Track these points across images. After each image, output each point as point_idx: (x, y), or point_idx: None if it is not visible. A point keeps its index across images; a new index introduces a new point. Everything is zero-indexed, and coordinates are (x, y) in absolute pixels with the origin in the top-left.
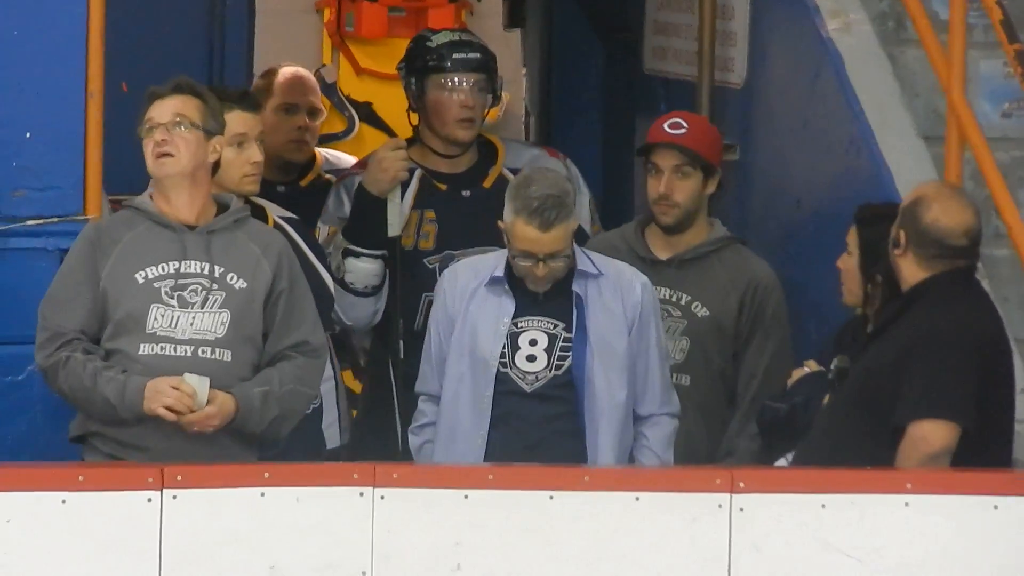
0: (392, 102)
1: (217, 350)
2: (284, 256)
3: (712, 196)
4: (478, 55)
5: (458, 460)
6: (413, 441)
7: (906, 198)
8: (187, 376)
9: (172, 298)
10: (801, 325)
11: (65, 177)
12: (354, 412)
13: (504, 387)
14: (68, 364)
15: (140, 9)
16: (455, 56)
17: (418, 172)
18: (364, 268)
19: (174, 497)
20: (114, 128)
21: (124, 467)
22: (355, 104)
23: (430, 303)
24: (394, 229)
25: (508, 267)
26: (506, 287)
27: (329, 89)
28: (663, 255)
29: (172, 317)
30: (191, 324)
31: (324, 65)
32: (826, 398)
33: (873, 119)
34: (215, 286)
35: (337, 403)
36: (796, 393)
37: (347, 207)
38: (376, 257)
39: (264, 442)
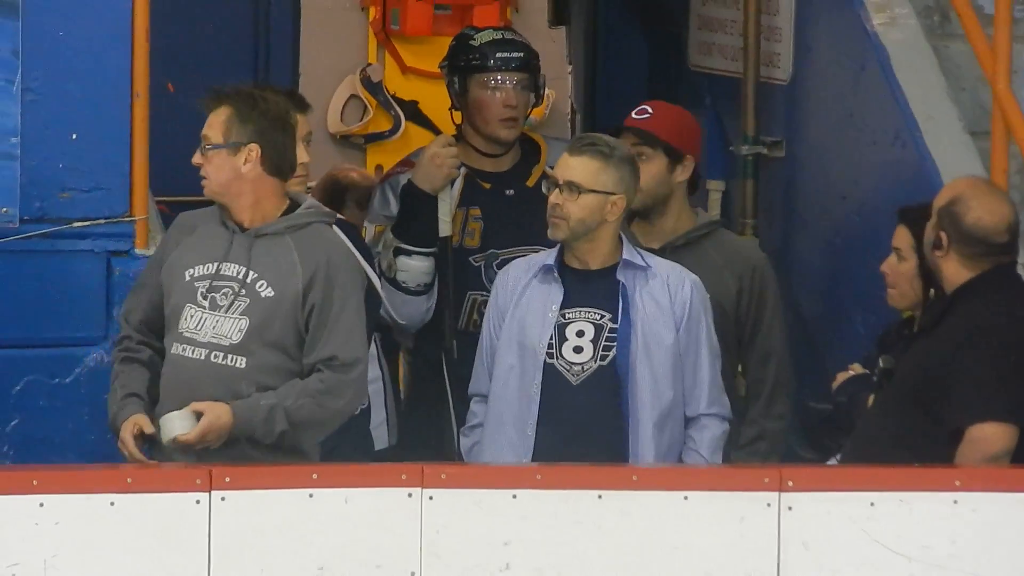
0: (438, 100)
1: (231, 356)
2: (324, 268)
3: (760, 194)
4: (521, 54)
5: (506, 451)
6: (464, 443)
7: (939, 197)
8: (166, 419)
9: (206, 299)
10: (848, 319)
11: (111, 178)
12: None
13: (551, 378)
14: (112, 368)
15: (185, 8)
16: (498, 55)
17: (463, 170)
18: (416, 266)
19: (222, 499)
20: (160, 129)
21: (172, 468)
22: (401, 103)
23: (475, 302)
24: (446, 227)
25: (560, 255)
26: (555, 275)
27: (375, 88)
28: (654, 244)
29: (200, 318)
30: (213, 327)
31: (370, 64)
32: (871, 398)
33: (918, 113)
34: (243, 291)
35: (385, 404)
36: (840, 394)
37: (393, 206)
38: (428, 255)
39: (287, 450)
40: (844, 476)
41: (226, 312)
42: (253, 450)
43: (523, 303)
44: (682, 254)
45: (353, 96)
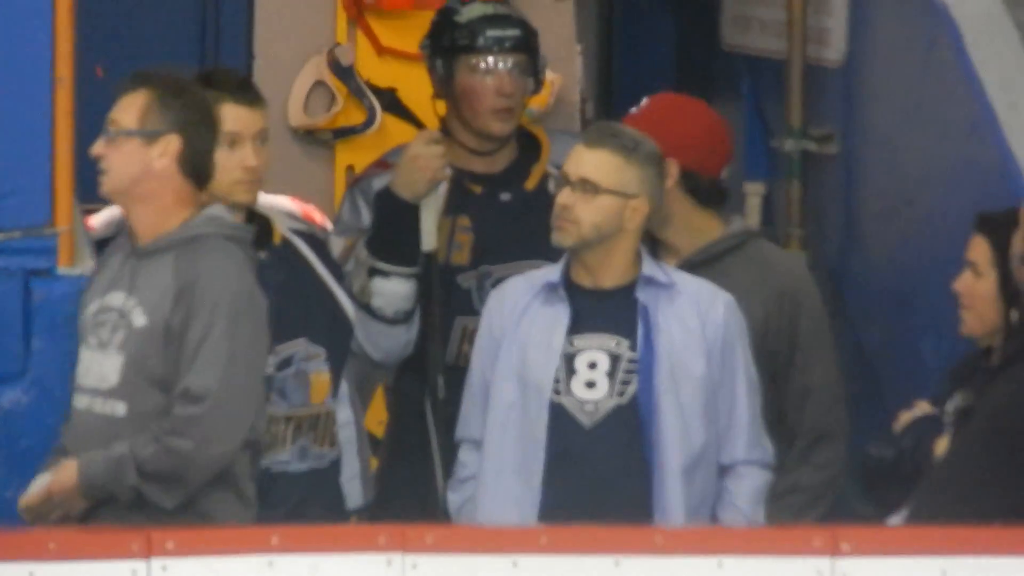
0: (420, 88)
1: (109, 401)
2: (190, 287)
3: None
4: (516, 31)
5: (508, 507)
6: (453, 500)
7: None
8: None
9: (94, 337)
10: (914, 349)
11: (29, 181)
12: (373, 461)
13: (559, 420)
14: None
15: None
16: (489, 33)
17: (449, 172)
18: (395, 290)
19: (163, 568)
20: (89, 122)
21: (102, 532)
22: (376, 91)
23: (464, 329)
24: (429, 241)
25: (566, 270)
26: (561, 292)
27: (345, 73)
28: (670, 260)
29: (89, 361)
30: (94, 370)
31: (338, 44)
32: (941, 443)
33: (998, 100)
34: (122, 322)
35: (359, 453)
36: (905, 438)
37: (364, 215)
38: (409, 276)
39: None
40: (910, 537)
41: (105, 349)
42: (134, 514)
43: (523, 329)
44: (701, 270)
45: (319, 83)
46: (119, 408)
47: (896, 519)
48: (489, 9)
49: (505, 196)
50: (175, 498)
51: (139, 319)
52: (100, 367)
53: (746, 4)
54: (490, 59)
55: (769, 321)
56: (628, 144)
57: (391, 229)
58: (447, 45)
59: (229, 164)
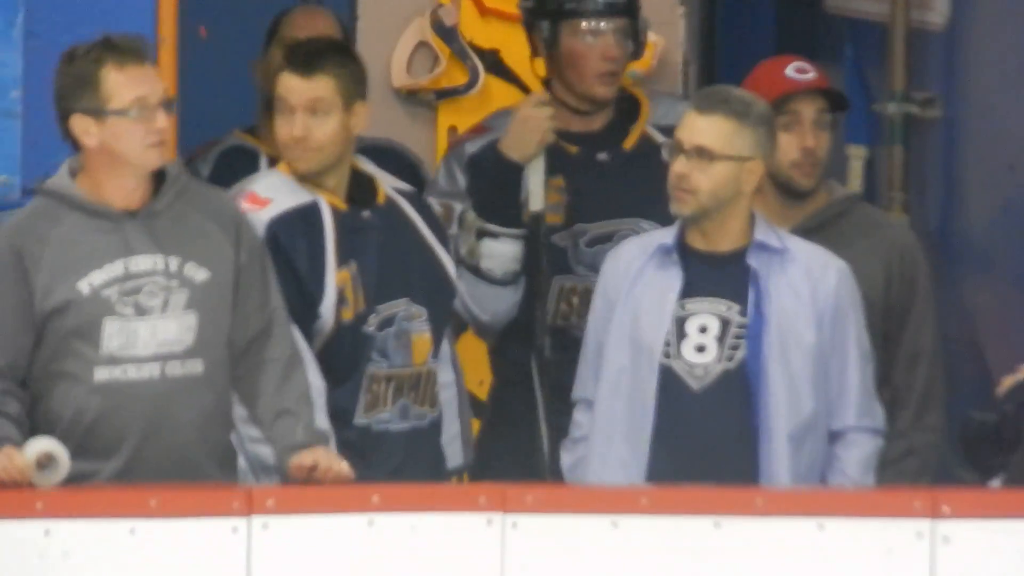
0: (524, 49)
1: (188, 362)
2: (238, 222)
3: (911, 162)
4: None
5: (615, 470)
6: (565, 459)
7: None
8: (29, 445)
9: (128, 306)
10: (1017, 313)
11: None
12: (475, 423)
13: (669, 383)
14: None
15: None
16: None
17: (554, 134)
18: (504, 251)
19: (264, 526)
20: (191, 82)
21: (203, 490)
22: (479, 51)
23: (562, 289)
24: (536, 202)
25: (681, 233)
26: (675, 256)
27: (448, 34)
28: (781, 227)
29: (130, 330)
30: (154, 335)
31: (441, 5)
32: None
33: None
34: (174, 282)
35: (459, 414)
36: (1007, 402)
37: (460, 181)
38: (517, 237)
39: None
40: (1011, 500)
41: (162, 312)
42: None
43: (637, 292)
44: (816, 238)
45: (422, 44)
46: (198, 366)
47: (996, 483)
48: None
49: (603, 156)
50: None
51: (200, 272)
52: (160, 331)
53: None
54: (596, 23)
55: (890, 283)
56: (739, 108)
57: (500, 191)
58: (553, 8)
59: (281, 132)
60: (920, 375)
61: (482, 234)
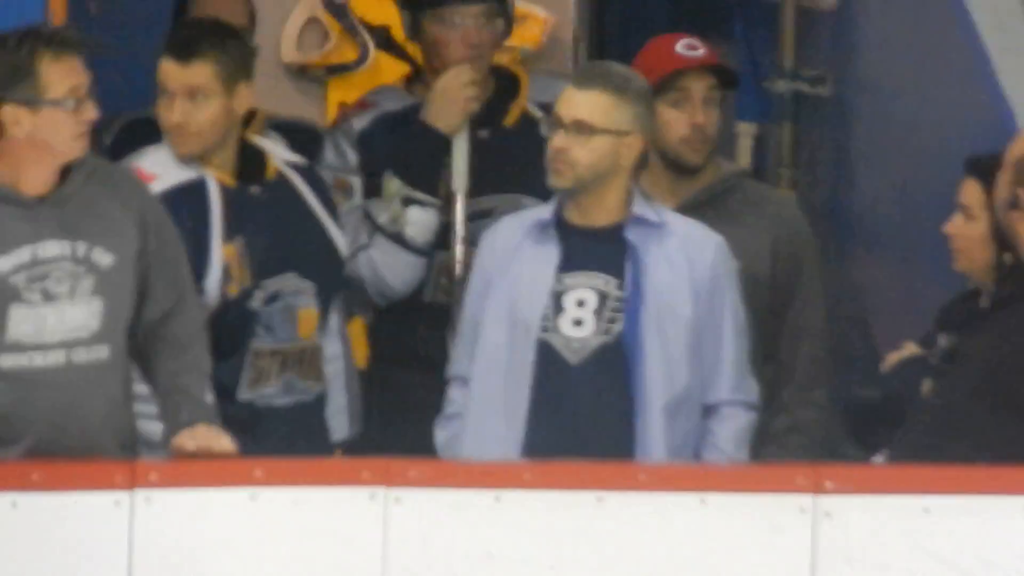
0: None
1: (94, 347)
2: (144, 203)
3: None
4: None
5: (490, 445)
6: (439, 435)
7: (1015, 146)
8: None
9: (34, 292)
10: (913, 294)
11: None
12: None
13: (546, 357)
14: None
15: None
16: None
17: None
18: (427, 220)
19: (147, 500)
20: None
21: (86, 464)
22: (369, 28)
23: (440, 267)
24: (461, 181)
25: (559, 209)
26: (552, 231)
27: (339, 10)
28: (670, 203)
29: (38, 316)
30: (61, 322)
31: None
32: (927, 385)
33: (991, 43)
34: (81, 268)
35: (347, 387)
36: (892, 380)
37: (350, 156)
38: (440, 207)
39: None
40: (894, 477)
41: (70, 299)
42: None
43: (513, 269)
44: (704, 213)
45: (312, 19)
46: (103, 352)
47: (879, 458)
48: None
49: (483, 133)
50: None
51: (105, 258)
52: (67, 318)
53: None
54: (456, 10)
55: (777, 259)
56: (619, 82)
57: (428, 161)
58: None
59: (162, 116)
60: (805, 351)
61: (409, 202)
